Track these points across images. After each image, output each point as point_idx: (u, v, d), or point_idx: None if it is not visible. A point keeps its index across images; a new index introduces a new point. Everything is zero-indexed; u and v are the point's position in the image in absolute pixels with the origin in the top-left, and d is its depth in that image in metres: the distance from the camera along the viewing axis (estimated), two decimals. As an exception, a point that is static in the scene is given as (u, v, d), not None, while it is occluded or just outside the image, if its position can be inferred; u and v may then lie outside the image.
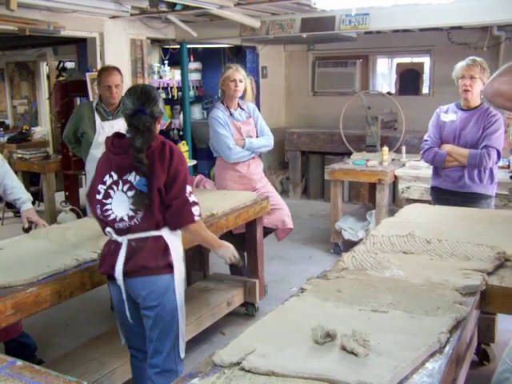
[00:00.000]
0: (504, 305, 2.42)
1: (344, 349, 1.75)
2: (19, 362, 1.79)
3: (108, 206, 2.63)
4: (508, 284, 2.43)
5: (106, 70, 4.37)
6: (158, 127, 2.76)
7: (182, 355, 2.74)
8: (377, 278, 2.43)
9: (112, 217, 2.63)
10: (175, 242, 2.71)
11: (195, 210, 2.65)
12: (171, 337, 2.70)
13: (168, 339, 2.70)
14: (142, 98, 2.65)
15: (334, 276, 2.45)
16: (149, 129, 2.60)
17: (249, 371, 1.68)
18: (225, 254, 2.96)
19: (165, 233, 2.66)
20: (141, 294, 2.66)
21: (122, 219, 2.61)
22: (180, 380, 1.67)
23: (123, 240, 2.63)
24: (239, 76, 4.46)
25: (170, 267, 2.66)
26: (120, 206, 2.61)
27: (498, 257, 2.68)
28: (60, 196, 7.43)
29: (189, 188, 2.65)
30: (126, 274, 2.63)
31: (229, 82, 4.47)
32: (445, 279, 2.39)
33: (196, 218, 2.65)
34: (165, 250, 2.65)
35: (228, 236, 4.67)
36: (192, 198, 2.64)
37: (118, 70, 4.38)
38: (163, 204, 2.61)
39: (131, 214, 2.60)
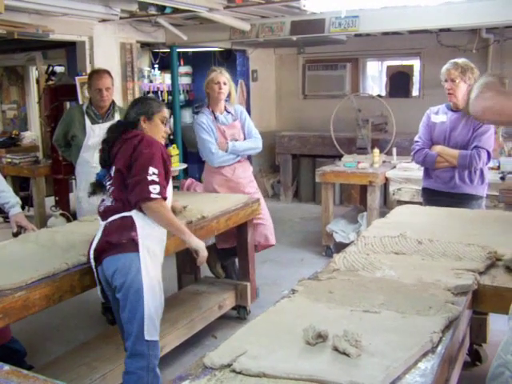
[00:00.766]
0: (496, 304, 2.41)
1: (336, 349, 1.74)
2: (6, 367, 1.76)
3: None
4: (500, 283, 2.42)
5: (97, 73, 4.35)
6: (145, 126, 2.99)
7: (147, 337, 2.74)
8: (368, 279, 2.41)
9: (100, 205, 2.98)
10: (145, 222, 2.80)
11: (153, 188, 2.74)
12: (138, 318, 2.73)
13: (135, 321, 2.74)
14: None
15: (326, 277, 2.44)
16: (111, 129, 3.02)
17: (240, 373, 1.66)
18: (198, 245, 2.99)
19: (135, 213, 2.80)
20: (109, 274, 2.78)
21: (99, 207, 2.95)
22: (171, 382, 1.65)
23: (102, 224, 2.89)
24: (223, 78, 4.46)
25: (134, 244, 2.75)
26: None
27: (490, 256, 2.67)
28: (50, 201, 7.38)
29: (153, 169, 2.76)
30: (98, 257, 2.81)
31: (213, 85, 4.47)
32: (436, 279, 2.38)
33: (153, 196, 2.73)
34: (130, 226, 2.78)
35: (211, 248, 4.69)
36: (152, 177, 2.75)
37: (108, 73, 4.36)
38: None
39: (102, 203, 2.94)
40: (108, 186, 2.94)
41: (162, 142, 3.05)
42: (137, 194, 2.76)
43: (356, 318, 2.00)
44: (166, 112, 3.08)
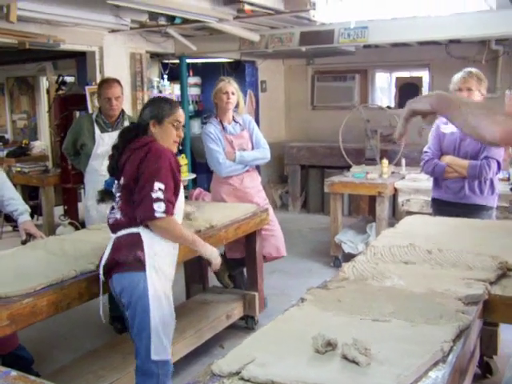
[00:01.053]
0: (507, 314, 2.38)
1: (345, 358, 1.72)
2: (13, 373, 1.76)
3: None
4: (510, 293, 2.39)
5: (107, 82, 4.37)
6: (155, 131, 2.86)
7: (155, 357, 2.70)
8: (377, 288, 2.39)
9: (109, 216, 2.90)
10: (152, 240, 2.72)
11: (157, 206, 2.64)
12: (145, 337, 2.69)
13: (142, 340, 2.71)
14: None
15: (335, 286, 2.42)
16: (122, 133, 2.93)
17: (248, 380, 1.64)
18: (212, 254, 2.98)
19: (142, 230, 2.73)
20: (117, 291, 2.76)
21: (112, 219, 2.84)
22: (178, 390, 1.64)
23: (112, 237, 2.83)
24: (231, 88, 4.47)
25: (140, 264, 2.68)
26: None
27: (501, 266, 2.64)
28: (59, 210, 7.40)
29: (158, 185, 2.65)
30: (107, 272, 2.77)
31: (221, 95, 4.48)
32: (446, 288, 2.36)
33: (157, 215, 2.64)
34: (137, 245, 2.70)
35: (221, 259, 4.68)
36: (157, 194, 2.64)
37: (118, 82, 4.39)
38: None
39: (111, 215, 2.86)
40: (117, 199, 2.86)
41: (174, 148, 2.93)
42: (141, 213, 2.68)
43: (365, 327, 1.98)
44: (179, 115, 2.91)
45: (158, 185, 2.65)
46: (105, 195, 2.99)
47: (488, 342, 3.50)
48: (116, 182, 2.91)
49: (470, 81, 3.87)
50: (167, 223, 2.70)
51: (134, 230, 2.74)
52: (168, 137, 2.88)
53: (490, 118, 1.84)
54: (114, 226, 2.82)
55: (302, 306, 2.22)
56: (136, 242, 2.72)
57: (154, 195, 2.63)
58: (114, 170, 2.91)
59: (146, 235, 2.72)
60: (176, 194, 2.80)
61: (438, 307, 2.16)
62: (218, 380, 1.67)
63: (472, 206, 3.96)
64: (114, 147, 2.93)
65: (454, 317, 2.06)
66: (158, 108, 2.87)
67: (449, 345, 1.85)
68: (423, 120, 1.97)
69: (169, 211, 2.68)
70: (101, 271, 2.79)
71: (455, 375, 1.84)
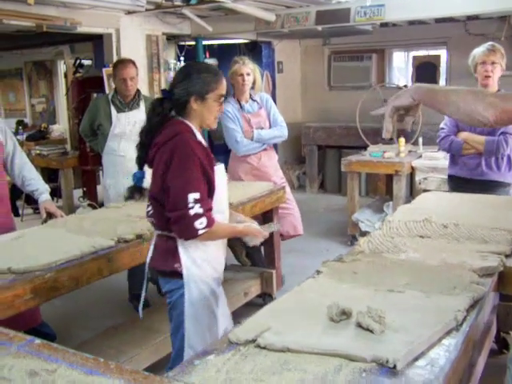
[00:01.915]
0: (522, 286, 2.40)
1: (359, 325, 1.75)
2: (37, 341, 1.81)
3: None
4: (526, 266, 2.40)
5: (122, 63, 4.40)
6: (196, 107, 2.51)
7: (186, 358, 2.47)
8: (393, 261, 2.41)
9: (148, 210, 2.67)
10: (189, 248, 2.51)
11: (199, 223, 2.38)
12: (177, 341, 2.62)
13: (175, 342, 2.64)
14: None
15: (350, 259, 2.44)
16: (149, 114, 2.57)
17: (264, 348, 1.68)
18: (253, 239, 2.86)
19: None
20: (162, 291, 2.70)
21: (151, 214, 2.63)
22: (195, 357, 1.68)
23: (155, 233, 2.66)
24: (246, 70, 4.48)
25: (178, 274, 2.50)
26: None
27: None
28: (78, 193, 7.49)
29: (193, 196, 2.37)
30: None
31: (236, 77, 4.50)
32: (462, 261, 2.37)
33: (200, 232, 2.39)
34: (173, 254, 2.51)
35: (238, 238, 4.70)
36: (195, 210, 2.36)
37: (133, 62, 4.40)
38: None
39: (149, 209, 2.64)
40: (148, 203, 2.64)
41: (214, 124, 2.59)
42: (183, 234, 2.43)
43: (380, 297, 2.01)
44: (223, 88, 2.54)
45: (192, 196, 2.37)
46: (134, 192, 2.68)
47: (505, 318, 3.50)
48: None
49: (495, 54, 3.84)
50: (210, 234, 2.47)
51: (167, 233, 2.53)
52: (210, 114, 2.54)
53: (483, 102, 1.87)
54: (153, 224, 2.65)
55: (318, 277, 2.25)
56: (172, 250, 2.50)
57: (192, 212, 2.36)
58: (141, 160, 2.63)
59: (182, 244, 2.50)
60: (212, 189, 2.51)
61: (453, 279, 2.18)
62: (234, 348, 1.71)
63: (489, 182, 3.94)
64: (142, 132, 2.60)
65: (468, 288, 2.08)
66: (200, 81, 2.48)
67: (462, 314, 1.87)
68: (406, 114, 2.02)
69: (211, 223, 2.43)
70: (146, 268, 2.68)
71: (468, 344, 1.87)
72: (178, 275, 2.50)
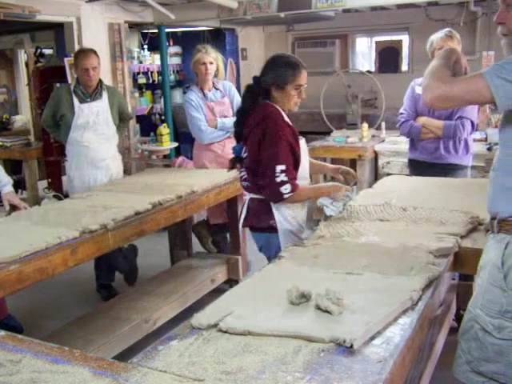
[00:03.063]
0: (477, 266, 2.47)
1: (318, 308, 1.81)
2: (2, 333, 1.83)
3: None
4: (480, 246, 2.46)
5: (83, 53, 4.35)
6: (276, 95, 2.93)
7: None
8: (353, 244, 2.48)
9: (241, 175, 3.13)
10: (281, 208, 2.97)
11: (284, 188, 2.86)
12: None
13: None
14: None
15: (311, 243, 2.50)
16: (244, 96, 3.05)
17: (226, 332, 1.73)
18: (339, 194, 3.14)
19: None
20: (257, 246, 3.16)
21: (244, 179, 3.09)
22: (159, 342, 1.72)
23: (247, 196, 3.13)
24: (209, 58, 4.49)
25: (273, 228, 2.97)
26: None
27: (472, 221, 2.74)
28: (43, 184, 7.41)
29: (280, 167, 2.83)
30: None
31: (199, 66, 4.51)
32: (419, 243, 2.45)
33: (285, 196, 2.87)
34: (267, 213, 2.98)
35: (203, 225, 4.74)
36: (281, 177, 2.84)
37: (94, 52, 4.36)
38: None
39: (242, 174, 3.11)
40: (241, 170, 3.11)
41: (294, 108, 3.01)
42: (270, 197, 2.93)
43: (339, 280, 2.07)
44: (301, 79, 2.93)
45: (279, 167, 2.84)
46: (236, 163, 3.18)
47: (464, 297, 3.62)
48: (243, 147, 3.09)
49: (452, 40, 3.92)
50: (295, 197, 2.93)
51: (260, 196, 2.99)
52: (289, 100, 2.95)
53: (428, 85, 1.96)
54: (246, 189, 3.11)
55: (279, 262, 2.31)
56: (267, 210, 2.97)
57: (278, 179, 2.84)
58: (240, 136, 3.12)
59: (274, 204, 2.97)
60: (297, 161, 2.97)
61: (410, 260, 2.25)
62: (197, 332, 1.75)
63: (447, 165, 4.04)
64: (238, 112, 3.12)
65: (424, 268, 2.16)
66: (280, 74, 2.91)
67: (418, 294, 1.95)
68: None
69: (294, 188, 2.89)
70: (240, 225, 3.20)
71: (424, 322, 1.94)
72: (274, 229, 2.97)
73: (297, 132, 3.01)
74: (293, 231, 3.01)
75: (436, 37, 3.99)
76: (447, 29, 4.03)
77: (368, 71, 8.62)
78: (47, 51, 8.41)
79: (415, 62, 8.28)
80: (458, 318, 3.65)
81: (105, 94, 4.39)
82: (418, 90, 4.09)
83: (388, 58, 8.78)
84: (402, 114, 4.16)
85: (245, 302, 1.90)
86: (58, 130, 4.51)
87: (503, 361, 1.98)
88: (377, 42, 9.07)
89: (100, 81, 4.42)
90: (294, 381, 1.46)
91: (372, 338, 1.68)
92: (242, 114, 3.06)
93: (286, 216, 2.99)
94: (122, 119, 4.63)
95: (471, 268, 2.54)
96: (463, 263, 2.51)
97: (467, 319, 2.12)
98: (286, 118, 2.97)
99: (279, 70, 2.92)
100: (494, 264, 2.01)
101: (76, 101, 4.33)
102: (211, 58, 4.50)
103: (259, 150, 2.90)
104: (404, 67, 8.75)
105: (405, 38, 8.72)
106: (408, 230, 2.67)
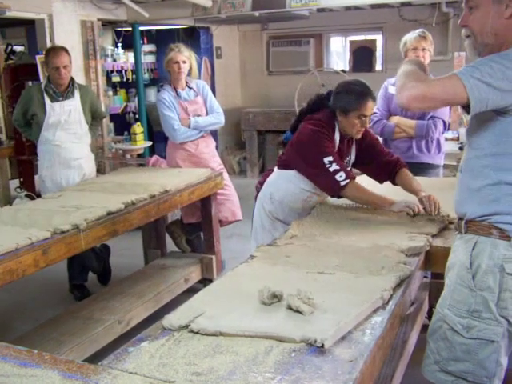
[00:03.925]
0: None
1: (290, 308, 1.81)
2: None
3: None
4: (451, 245, 2.50)
5: (54, 51, 4.28)
6: (340, 119, 2.99)
7: None
8: (325, 244, 2.49)
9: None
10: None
11: (339, 176, 2.86)
12: None
13: None
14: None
15: (283, 243, 2.51)
16: (311, 100, 3.18)
17: (197, 333, 1.72)
18: (399, 207, 2.90)
19: None
20: None
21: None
22: (130, 343, 1.71)
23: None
24: (182, 57, 4.47)
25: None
26: None
27: (443, 220, 2.77)
28: (15, 184, 7.31)
29: (327, 159, 2.86)
30: None
31: (172, 65, 4.49)
32: (391, 242, 2.47)
33: (343, 183, 2.86)
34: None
35: (177, 224, 4.73)
36: (333, 167, 2.86)
37: (65, 50, 4.30)
38: None
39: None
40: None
41: (356, 136, 3.04)
42: (330, 190, 2.96)
43: (311, 279, 2.08)
44: (365, 109, 2.93)
45: (327, 159, 2.87)
46: (283, 145, 3.41)
47: (436, 294, 3.62)
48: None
49: (425, 41, 3.95)
50: (351, 189, 2.89)
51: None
52: (351, 127, 2.98)
53: (404, 85, 1.95)
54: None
55: (251, 262, 2.31)
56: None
57: (332, 169, 2.86)
58: (294, 129, 3.17)
59: None
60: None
61: (382, 259, 2.27)
62: (168, 334, 1.74)
63: (420, 164, 4.07)
64: (302, 110, 3.22)
65: (395, 267, 2.18)
66: (346, 100, 2.94)
67: (388, 293, 1.96)
68: None
69: (349, 175, 2.90)
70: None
71: (394, 321, 1.95)
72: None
73: (330, 136, 3.03)
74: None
75: (409, 37, 4.02)
76: (420, 29, 4.06)
77: (342, 70, 8.67)
78: (18, 48, 8.30)
79: (389, 62, 8.36)
80: (431, 315, 3.66)
81: (77, 93, 4.34)
82: (391, 90, 4.11)
83: (362, 57, 8.85)
84: (375, 113, 4.17)
85: (216, 303, 1.90)
86: (30, 130, 4.45)
87: (471, 360, 2.00)
88: (351, 42, 9.14)
89: (72, 79, 4.36)
90: (264, 381, 1.46)
91: (343, 338, 1.68)
92: (304, 112, 3.15)
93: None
94: (94, 118, 4.57)
95: (442, 266, 2.55)
96: (434, 262, 2.53)
97: (435, 319, 2.14)
98: (335, 135, 3.02)
99: (347, 96, 2.94)
100: (462, 264, 2.03)
101: (47, 100, 4.27)
102: (184, 56, 4.48)
103: (295, 151, 3.04)
104: (378, 67, 8.83)
105: (379, 38, 8.80)
106: (380, 229, 2.69)
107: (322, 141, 2.93)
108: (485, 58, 1.91)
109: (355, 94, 2.92)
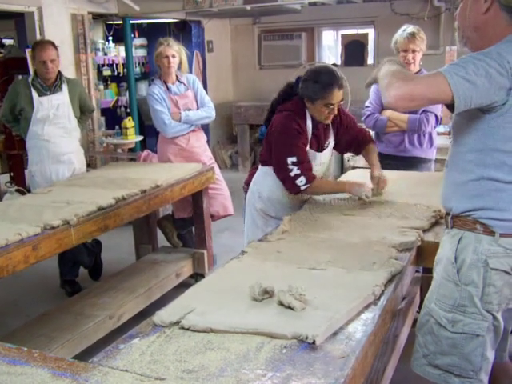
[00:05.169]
0: (439, 259, 2.50)
1: (281, 304, 1.80)
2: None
3: None
4: (442, 239, 2.51)
5: (40, 45, 4.22)
6: (309, 105, 3.01)
7: None
8: (316, 239, 2.48)
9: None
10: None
11: (299, 181, 2.92)
12: None
13: None
14: None
15: (275, 238, 2.50)
16: (281, 90, 3.17)
17: (188, 329, 1.71)
18: (359, 191, 3.00)
19: None
20: None
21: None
22: (121, 340, 1.69)
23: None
24: (171, 52, 4.44)
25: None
26: None
27: (434, 215, 2.77)
28: (5, 178, 7.26)
29: (291, 159, 2.90)
30: None
31: (162, 59, 4.46)
32: (382, 237, 2.47)
33: (303, 188, 2.94)
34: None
35: (169, 219, 4.72)
36: (294, 171, 2.91)
37: (52, 44, 4.24)
38: None
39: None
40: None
41: (325, 121, 3.07)
42: (289, 189, 3.02)
43: (302, 275, 2.07)
44: (331, 98, 2.92)
45: (290, 159, 2.91)
46: (259, 142, 3.34)
47: (427, 289, 3.63)
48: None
49: (415, 42, 3.93)
50: (312, 189, 2.99)
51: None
52: (319, 114, 3.01)
53: (391, 84, 1.94)
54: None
55: (243, 258, 2.30)
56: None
57: (292, 173, 2.92)
58: (267, 122, 3.22)
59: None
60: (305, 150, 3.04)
61: (373, 255, 2.27)
62: (159, 330, 1.73)
63: (412, 158, 4.08)
64: (274, 101, 3.21)
65: (386, 263, 2.17)
66: (311, 89, 2.94)
67: (380, 289, 1.96)
68: None
69: (310, 178, 2.94)
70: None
71: (386, 316, 1.95)
72: None
73: (303, 128, 3.03)
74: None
75: (400, 37, 3.99)
76: (411, 28, 4.01)
77: (334, 64, 8.65)
78: (8, 41, 8.23)
79: (381, 56, 8.33)
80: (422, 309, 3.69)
81: (65, 87, 4.29)
82: (383, 84, 4.10)
83: (354, 51, 8.83)
84: (367, 107, 4.18)
85: (207, 299, 1.89)
86: (18, 125, 4.39)
87: (457, 353, 2.02)
88: (343, 36, 9.10)
89: (59, 73, 4.31)
90: (255, 378, 1.45)
91: (334, 334, 1.68)
92: (275, 104, 3.16)
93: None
94: (83, 112, 4.53)
95: (433, 261, 2.58)
96: (426, 257, 2.53)
97: (423, 313, 2.16)
98: (307, 122, 3.04)
99: (313, 85, 2.94)
100: (448, 259, 2.05)
101: (35, 94, 4.21)
102: (173, 51, 4.45)
103: (269, 142, 3.06)
104: (370, 61, 8.81)
105: (370, 32, 8.77)
106: (371, 225, 2.69)
107: (289, 138, 2.95)
108: (469, 55, 1.91)
109: (321, 83, 2.91)
